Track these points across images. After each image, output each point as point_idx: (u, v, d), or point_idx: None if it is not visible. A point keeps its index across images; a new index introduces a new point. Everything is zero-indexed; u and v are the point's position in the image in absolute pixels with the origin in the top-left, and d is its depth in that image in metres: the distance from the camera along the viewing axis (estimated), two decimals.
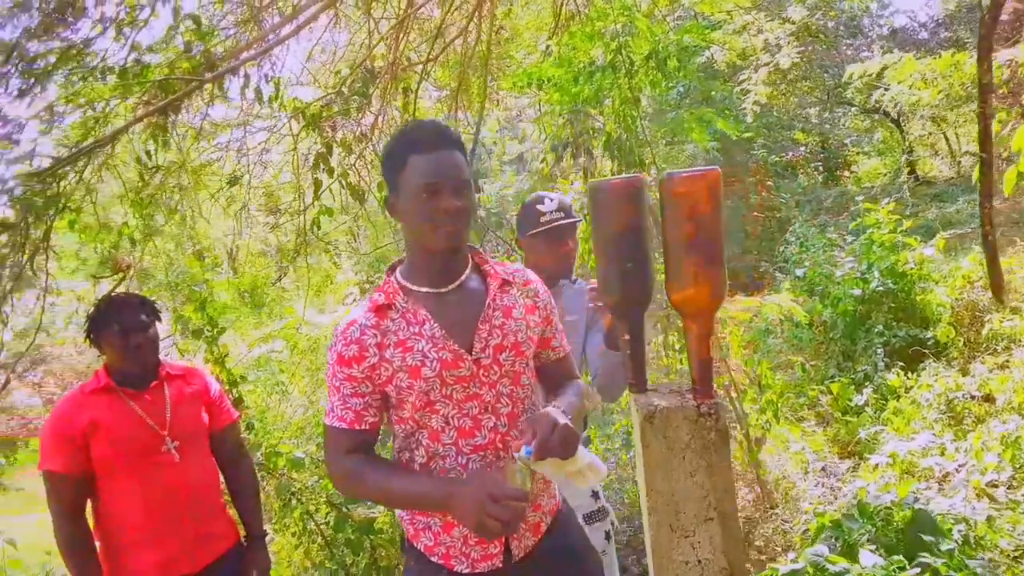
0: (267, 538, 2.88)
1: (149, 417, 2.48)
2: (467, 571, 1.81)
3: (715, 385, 1.36)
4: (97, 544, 2.46)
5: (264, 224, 5.86)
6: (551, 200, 2.62)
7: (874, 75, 6.04)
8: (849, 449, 5.30)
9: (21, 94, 3.40)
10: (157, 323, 2.59)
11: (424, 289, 1.81)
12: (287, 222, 5.57)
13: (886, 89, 5.86)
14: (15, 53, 3.38)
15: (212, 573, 2.56)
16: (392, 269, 1.90)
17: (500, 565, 1.81)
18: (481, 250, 1.96)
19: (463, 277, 1.84)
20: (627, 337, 1.41)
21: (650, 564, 1.40)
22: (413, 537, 1.89)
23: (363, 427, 1.79)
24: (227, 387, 4.59)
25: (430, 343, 1.74)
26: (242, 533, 2.80)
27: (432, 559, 1.84)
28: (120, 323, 2.44)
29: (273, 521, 5.04)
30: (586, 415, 2.47)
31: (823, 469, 5.06)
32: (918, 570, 2.84)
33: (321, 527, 4.64)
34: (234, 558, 2.67)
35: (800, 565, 2.80)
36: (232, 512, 2.84)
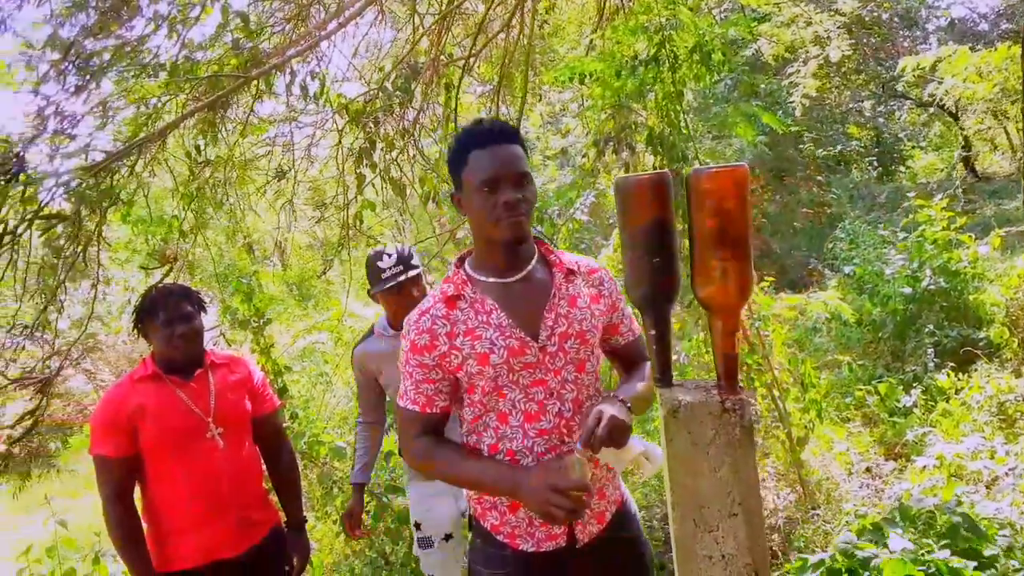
0: (307, 524, 2.95)
1: (194, 404, 2.54)
2: (532, 550, 1.89)
3: (741, 381, 1.36)
4: (144, 527, 2.53)
5: (310, 218, 5.97)
6: (389, 256, 2.84)
7: (928, 68, 5.89)
8: (895, 451, 5.19)
9: (77, 90, 3.53)
10: (202, 314, 2.66)
11: (491, 279, 1.88)
12: (332, 216, 5.66)
13: (940, 82, 5.70)
14: (72, 51, 3.50)
15: (253, 557, 2.63)
16: (461, 261, 1.97)
17: (564, 544, 1.88)
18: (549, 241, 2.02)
19: (529, 267, 1.90)
20: (653, 332, 1.42)
21: (675, 558, 1.41)
22: (480, 516, 1.97)
23: (434, 411, 1.90)
24: (272, 377, 4.71)
25: (497, 331, 1.82)
26: (283, 519, 2.87)
27: (498, 538, 1.92)
28: (165, 314, 2.51)
29: (315, 509, 5.15)
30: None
31: (867, 470, 4.96)
32: (947, 553, 2.81)
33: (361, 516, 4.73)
34: (274, 543, 2.73)
35: (829, 554, 2.79)
36: (273, 498, 2.92)
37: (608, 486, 1.95)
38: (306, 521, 2.95)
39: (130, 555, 2.46)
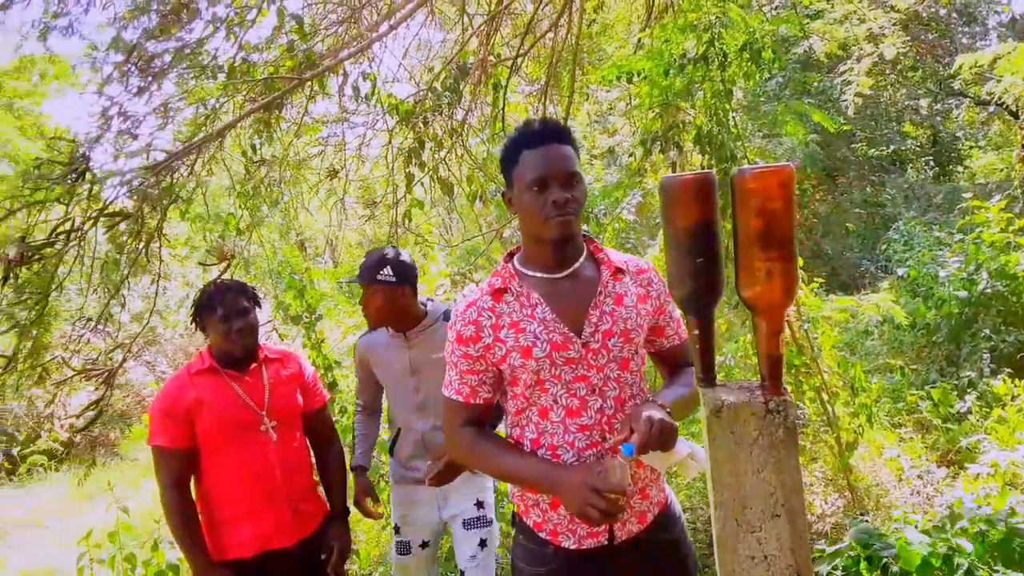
0: (349, 515, 2.99)
1: (249, 397, 2.61)
2: (573, 547, 1.91)
3: (788, 384, 1.36)
4: (199, 516, 2.60)
5: (360, 217, 6.07)
6: (371, 257, 2.91)
7: (986, 66, 5.73)
8: (948, 458, 5.07)
9: (140, 91, 3.66)
10: (257, 309, 2.72)
11: (538, 274, 1.91)
12: (382, 215, 5.75)
13: (998, 80, 5.55)
14: (135, 53, 3.62)
15: (304, 549, 2.68)
16: (510, 256, 2.01)
17: (605, 542, 1.90)
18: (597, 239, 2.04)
19: (576, 264, 1.92)
20: (696, 332, 1.43)
21: (716, 558, 1.42)
22: (523, 513, 2.00)
23: (477, 402, 1.94)
24: (322, 371, 4.81)
25: (541, 325, 1.84)
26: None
27: (540, 534, 1.95)
28: (223, 308, 2.57)
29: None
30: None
31: (919, 477, 4.86)
32: (964, 541, 2.78)
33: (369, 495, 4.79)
34: (324, 535, 2.78)
35: (845, 544, 2.78)
36: (321, 492, 2.97)
37: (651, 487, 1.96)
38: (349, 513, 2.99)
39: (187, 542, 2.52)
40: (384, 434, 3.78)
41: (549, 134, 1.86)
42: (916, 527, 2.82)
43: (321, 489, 2.98)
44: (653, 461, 1.77)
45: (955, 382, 5.80)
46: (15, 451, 8.02)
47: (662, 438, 1.66)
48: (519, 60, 4.16)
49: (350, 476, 3.20)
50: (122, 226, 2.75)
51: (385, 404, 3.28)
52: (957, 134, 15.25)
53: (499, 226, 6.65)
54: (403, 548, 3.02)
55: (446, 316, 2.94)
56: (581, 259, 1.93)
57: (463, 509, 2.95)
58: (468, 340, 1.88)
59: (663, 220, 1.45)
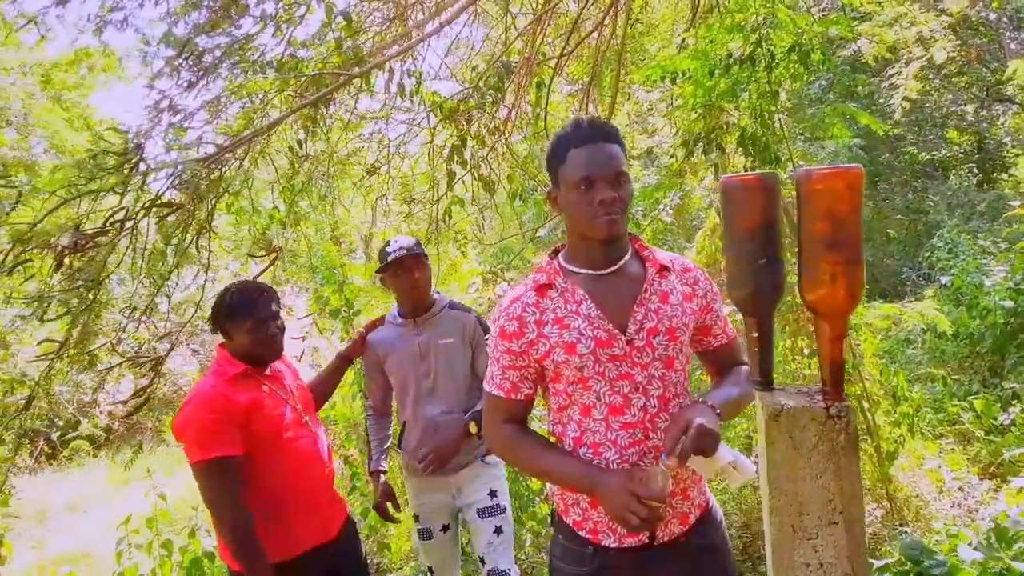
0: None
1: (284, 395, 2.63)
2: (614, 546, 1.90)
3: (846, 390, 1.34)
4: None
5: (398, 213, 6.11)
6: (395, 242, 3.00)
7: None
8: (991, 471, 4.96)
9: (190, 86, 3.71)
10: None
11: (583, 271, 1.91)
12: (421, 211, 5.77)
13: None
14: (186, 47, 3.68)
15: (341, 540, 2.69)
16: (555, 253, 2.01)
17: (646, 541, 1.88)
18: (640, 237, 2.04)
19: (622, 262, 1.92)
20: (755, 335, 1.41)
21: (769, 564, 1.40)
22: (563, 512, 2.00)
23: (519, 397, 1.95)
24: (358, 366, 4.84)
25: (586, 322, 1.84)
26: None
27: (580, 533, 1.94)
28: (258, 313, 2.53)
29: (399, 495, 5.26)
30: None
31: (960, 489, 4.77)
32: (1020, 564, 2.70)
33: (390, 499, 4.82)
34: (351, 524, 2.82)
35: (894, 559, 2.72)
36: None
37: (693, 488, 1.94)
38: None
39: (253, 554, 2.38)
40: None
41: (597, 133, 1.85)
42: (970, 545, 2.75)
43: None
44: (695, 466, 1.76)
45: (998, 394, 5.68)
46: (55, 436, 8.20)
47: (700, 444, 1.63)
48: (563, 59, 4.15)
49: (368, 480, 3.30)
50: (170, 218, 2.79)
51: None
52: (1004, 140, 14.90)
53: (534, 227, 6.65)
54: (425, 534, 3.13)
55: (451, 306, 3.13)
56: (626, 257, 1.93)
57: (477, 499, 3.06)
58: (511, 336, 1.88)
59: (723, 220, 1.44)
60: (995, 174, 15.89)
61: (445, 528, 3.13)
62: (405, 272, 2.96)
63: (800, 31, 4.20)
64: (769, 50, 4.31)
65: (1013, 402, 5.46)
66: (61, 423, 8.15)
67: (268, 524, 2.44)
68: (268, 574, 2.39)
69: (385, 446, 3.26)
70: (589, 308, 1.85)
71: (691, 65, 4.53)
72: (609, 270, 1.90)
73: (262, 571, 2.38)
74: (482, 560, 3.08)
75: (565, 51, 4.12)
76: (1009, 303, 6.00)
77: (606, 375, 1.84)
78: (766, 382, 1.42)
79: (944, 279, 7.09)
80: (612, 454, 1.84)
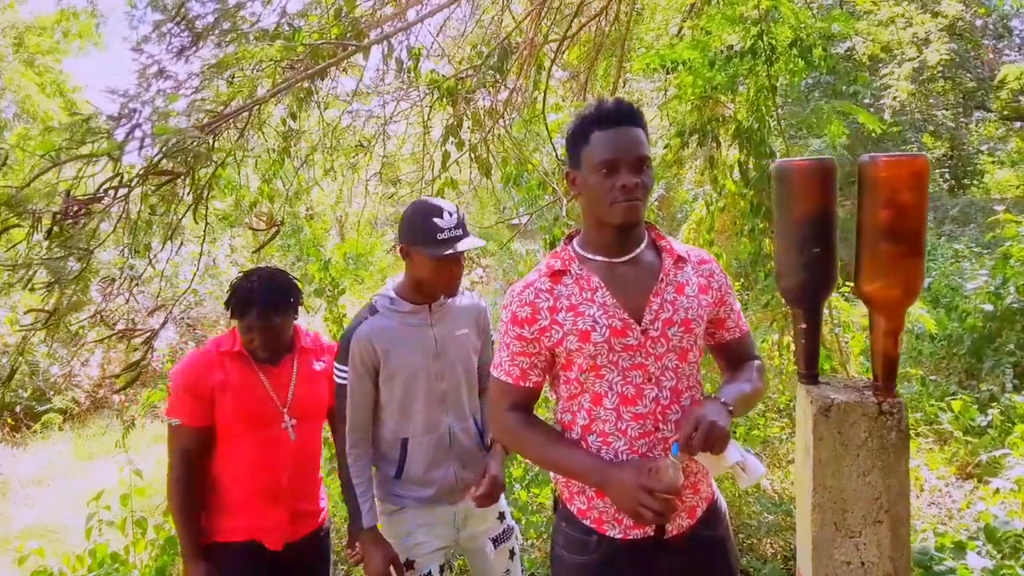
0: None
1: (274, 391, 2.48)
2: (619, 536, 1.86)
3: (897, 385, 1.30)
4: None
5: (383, 194, 6.00)
6: (449, 214, 2.33)
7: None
8: (968, 471, 5.03)
9: (180, 52, 3.58)
10: (299, 305, 2.55)
11: (599, 258, 1.86)
12: (409, 192, 5.67)
13: None
14: (177, 13, 3.54)
15: (291, 552, 2.55)
16: (570, 239, 1.96)
17: (652, 534, 1.84)
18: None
19: (638, 250, 1.87)
20: (804, 326, 1.36)
21: (804, 562, 1.36)
22: (567, 500, 1.95)
23: (527, 384, 1.89)
24: None
25: (601, 310, 1.79)
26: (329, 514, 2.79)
27: (584, 522, 1.90)
28: (264, 309, 2.40)
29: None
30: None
31: (938, 490, 4.82)
32: None
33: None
34: (316, 541, 2.64)
35: None
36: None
37: (702, 481, 1.90)
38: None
39: (183, 522, 2.44)
40: None
41: (623, 115, 1.79)
42: (979, 553, 2.75)
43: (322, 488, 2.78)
44: (704, 463, 1.74)
45: (975, 395, 5.75)
46: (19, 409, 8.00)
47: (709, 441, 1.61)
48: (565, 43, 4.08)
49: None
50: (164, 188, 2.68)
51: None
52: (981, 148, 15.18)
53: (516, 213, 6.57)
54: None
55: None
56: (643, 245, 1.88)
57: (487, 527, 2.60)
58: (523, 321, 1.83)
59: (776, 207, 1.38)
60: (966, 180, 16.19)
61: (442, 569, 2.51)
62: (452, 261, 2.36)
63: (803, 25, 4.17)
64: (770, 43, 4.28)
65: (990, 404, 5.53)
66: (26, 395, 7.94)
67: (208, 505, 2.48)
68: (193, 548, 2.41)
69: (372, 492, 2.47)
70: (604, 296, 1.80)
71: (691, 55, 4.48)
72: (625, 258, 1.85)
73: (188, 543, 2.42)
74: None
75: (568, 34, 4.05)
76: (989, 307, 6.08)
77: (619, 364, 1.79)
78: (811, 375, 1.38)
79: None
80: (622, 444, 1.81)
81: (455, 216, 2.33)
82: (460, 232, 2.33)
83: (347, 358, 2.37)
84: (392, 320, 2.40)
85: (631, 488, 1.65)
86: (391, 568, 2.36)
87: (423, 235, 2.29)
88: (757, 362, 1.98)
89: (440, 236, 2.28)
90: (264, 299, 2.41)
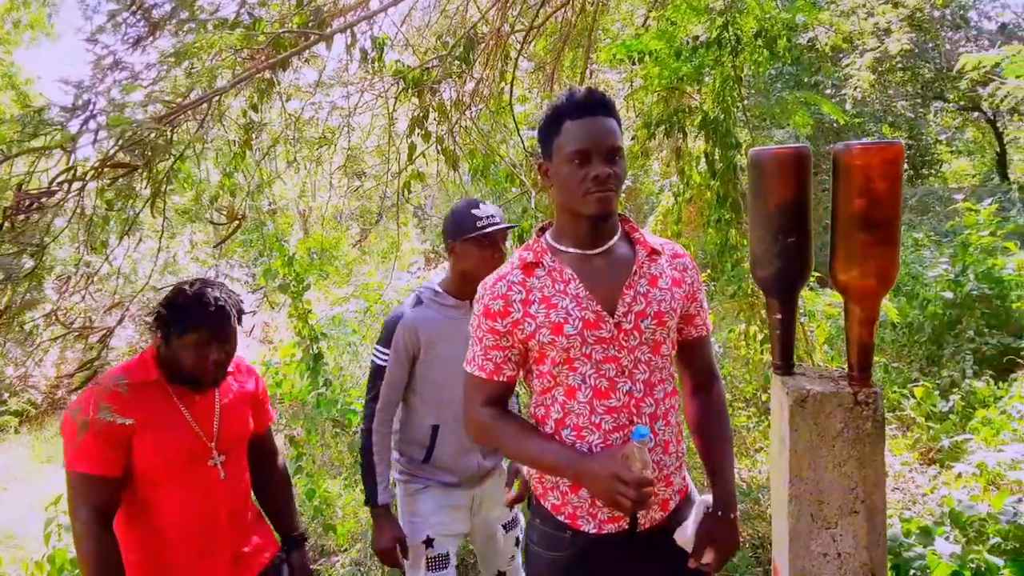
0: (306, 541, 2.56)
1: (197, 424, 2.16)
2: (593, 531, 1.85)
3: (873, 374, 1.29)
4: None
5: (348, 188, 5.91)
6: (487, 206, 2.58)
7: (988, 68, 5.76)
8: (931, 456, 5.12)
9: (136, 43, 3.47)
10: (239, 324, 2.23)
11: (572, 250, 1.85)
12: (374, 186, 5.60)
13: (1002, 82, 5.59)
14: (134, 2, 3.43)
15: None
16: (542, 231, 1.94)
17: (626, 527, 1.84)
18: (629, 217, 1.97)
19: (611, 242, 1.86)
20: (779, 316, 1.35)
21: (780, 554, 1.35)
22: (541, 496, 1.94)
23: (501, 379, 1.87)
24: (310, 342, 4.69)
25: (574, 302, 1.78)
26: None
27: (558, 518, 1.89)
28: (208, 331, 2.10)
29: (344, 476, 5.15)
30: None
31: (901, 475, 4.90)
32: (1001, 561, 2.77)
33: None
34: (273, 572, 2.38)
35: None
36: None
37: (675, 475, 1.91)
38: (306, 538, 2.55)
39: None
40: None
41: (595, 105, 1.78)
42: (946, 538, 2.79)
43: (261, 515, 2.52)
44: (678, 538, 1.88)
45: (937, 382, 5.86)
46: None
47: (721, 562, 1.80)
48: (532, 33, 4.04)
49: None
50: (120, 181, 2.59)
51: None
52: (938, 138, 15.50)
53: (495, 205, 6.50)
54: (440, 562, 2.60)
55: None
56: (616, 237, 1.87)
57: (499, 513, 2.75)
58: (496, 315, 1.82)
59: (750, 196, 1.37)
60: (925, 169, 16.51)
61: (451, 554, 2.66)
62: (493, 246, 2.51)
63: (768, 16, 4.19)
64: (735, 34, 4.29)
65: (951, 390, 5.64)
66: None
67: (138, 564, 2.10)
68: None
69: (388, 472, 2.62)
70: (577, 288, 1.79)
71: (657, 45, 4.48)
72: (598, 250, 1.84)
73: None
74: (502, 575, 2.80)
75: (534, 24, 4.01)
76: (949, 294, 6.20)
77: (592, 357, 1.79)
78: (787, 366, 1.36)
79: None
80: (595, 438, 1.80)
81: (491, 207, 2.57)
82: (497, 219, 2.53)
83: (389, 342, 2.54)
84: (435, 312, 2.57)
85: (606, 477, 1.65)
86: (396, 547, 2.52)
87: (465, 226, 2.51)
88: (718, 388, 2.00)
89: (479, 224, 2.49)
90: (214, 309, 2.09)
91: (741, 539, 4.02)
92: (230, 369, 2.26)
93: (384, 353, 2.55)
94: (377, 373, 2.56)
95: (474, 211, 2.53)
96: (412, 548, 2.58)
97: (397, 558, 2.55)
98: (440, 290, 2.61)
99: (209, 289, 2.13)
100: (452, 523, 2.63)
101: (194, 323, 2.07)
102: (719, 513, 1.83)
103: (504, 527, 2.77)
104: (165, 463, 2.08)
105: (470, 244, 2.50)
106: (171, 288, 2.18)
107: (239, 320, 2.19)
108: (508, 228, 2.55)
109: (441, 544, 2.59)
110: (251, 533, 2.32)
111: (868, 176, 1.20)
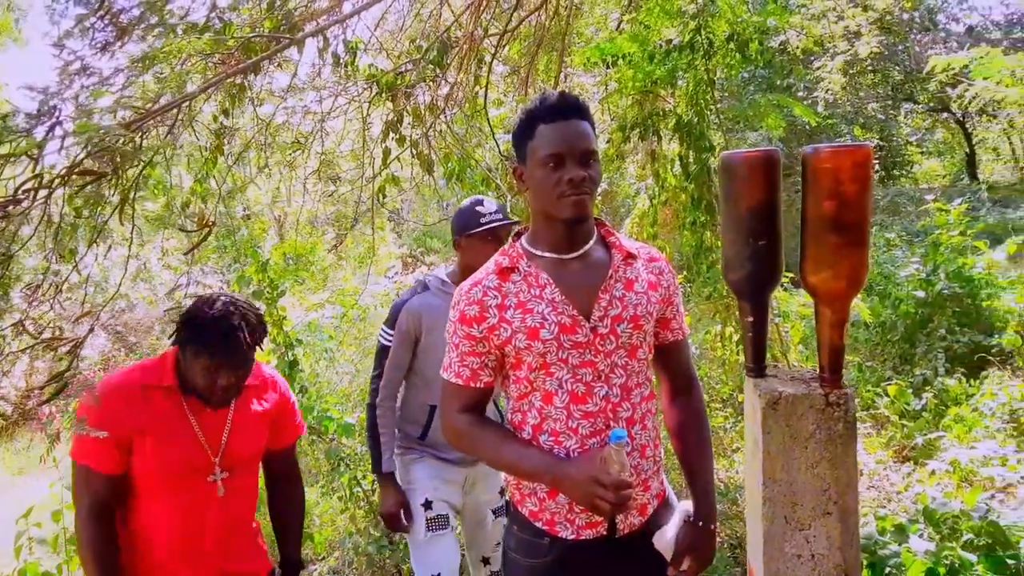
0: (303, 569, 2.52)
1: (204, 436, 2.12)
2: (571, 537, 1.84)
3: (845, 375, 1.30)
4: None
5: (322, 192, 5.88)
6: (490, 203, 2.73)
7: (957, 69, 5.86)
8: (904, 454, 5.18)
9: (104, 48, 3.42)
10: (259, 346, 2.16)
11: (548, 254, 1.84)
12: (348, 191, 5.56)
13: (971, 84, 5.69)
14: (100, 6, 3.39)
15: None
16: (518, 236, 1.93)
17: (604, 533, 1.83)
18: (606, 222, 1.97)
19: (587, 246, 1.85)
20: (751, 319, 1.35)
21: (755, 557, 1.35)
22: (518, 502, 1.92)
23: (478, 385, 1.86)
24: (285, 349, 4.65)
25: (550, 307, 1.77)
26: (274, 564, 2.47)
27: (536, 524, 1.87)
28: (217, 359, 2.03)
29: (321, 484, 5.10)
30: None
31: (875, 474, 4.95)
32: (975, 557, 2.81)
33: (367, 493, 4.69)
34: None
35: None
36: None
37: (653, 479, 1.90)
38: (303, 566, 2.50)
39: None
40: None
41: (568, 108, 1.77)
42: (920, 535, 2.82)
43: (261, 538, 2.46)
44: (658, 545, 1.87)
45: (909, 380, 5.93)
46: None
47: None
48: (506, 36, 4.04)
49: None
50: (88, 188, 2.55)
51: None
52: (909, 139, 15.72)
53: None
54: (440, 523, 2.74)
55: None
56: (592, 241, 1.86)
57: (490, 498, 2.88)
58: (472, 320, 1.80)
59: (722, 199, 1.37)
60: (895, 170, 16.74)
61: (456, 514, 2.83)
62: (495, 240, 2.65)
63: (740, 20, 4.22)
64: (708, 37, 4.32)
65: (924, 388, 5.70)
66: None
67: (130, 563, 2.12)
68: None
69: (393, 443, 2.80)
70: (553, 293, 1.78)
71: (631, 48, 4.50)
72: (574, 254, 1.83)
73: None
74: (486, 561, 2.90)
75: (508, 28, 4.01)
76: (921, 293, 6.27)
77: (569, 362, 1.78)
78: (759, 368, 1.37)
79: None
80: (573, 443, 1.79)
81: (495, 204, 2.72)
82: (500, 216, 2.69)
83: (395, 324, 2.73)
84: (440, 299, 2.70)
85: (584, 481, 1.64)
86: (400, 511, 2.71)
87: (470, 222, 2.66)
88: (696, 391, 1.98)
89: (483, 220, 2.65)
90: (231, 330, 2.02)
91: (719, 540, 4.07)
92: (253, 382, 2.22)
93: (389, 334, 2.75)
94: (382, 352, 2.76)
95: (478, 208, 2.69)
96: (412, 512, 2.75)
97: (401, 521, 2.72)
98: (447, 280, 2.77)
99: (231, 311, 2.05)
100: (447, 492, 2.78)
101: (206, 347, 2.01)
102: (699, 523, 1.83)
103: (494, 512, 2.87)
104: (162, 470, 2.06)
105: (474, 239, 2.66)
106: (198, 299, 2.12)
107: (259, 343, 2.12)
108: (510, 224, 2.69)
109: (438, 507, 2.74)
110: (245, 555, 2.28)
111: (837, 179, 1.21)
